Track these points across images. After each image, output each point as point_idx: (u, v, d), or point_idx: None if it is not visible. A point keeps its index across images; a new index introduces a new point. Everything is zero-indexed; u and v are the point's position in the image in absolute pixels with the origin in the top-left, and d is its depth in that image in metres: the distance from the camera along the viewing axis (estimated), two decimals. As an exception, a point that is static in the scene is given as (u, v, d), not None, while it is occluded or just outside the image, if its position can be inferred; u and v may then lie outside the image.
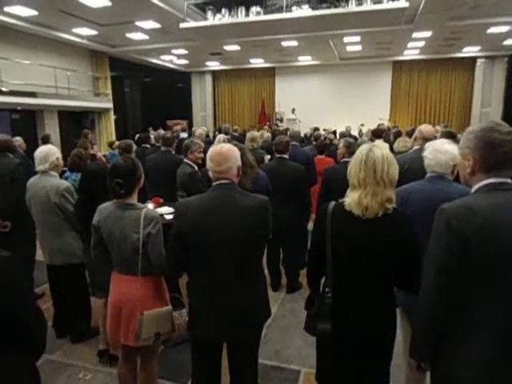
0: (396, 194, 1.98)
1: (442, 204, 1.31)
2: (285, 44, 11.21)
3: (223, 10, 8.58)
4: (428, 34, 10.27)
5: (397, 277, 1.63)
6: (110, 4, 7.73)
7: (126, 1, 7.59)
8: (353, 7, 7.76)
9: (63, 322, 3.15)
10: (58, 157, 3.00)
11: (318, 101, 15.00)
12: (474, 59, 13.63)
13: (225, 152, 1.82)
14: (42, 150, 2.97)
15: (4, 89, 8.73)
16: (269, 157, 5.28)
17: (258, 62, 15.09)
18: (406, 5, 7.37)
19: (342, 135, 7.52)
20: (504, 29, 9.76)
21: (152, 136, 7.04)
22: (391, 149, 4.61)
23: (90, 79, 12.40)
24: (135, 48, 11.76)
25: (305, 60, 14.38)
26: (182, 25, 8.62)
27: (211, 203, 1.79)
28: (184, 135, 8.07)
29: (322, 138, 7.48)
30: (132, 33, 10.14)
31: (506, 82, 13.46)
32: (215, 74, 16.94)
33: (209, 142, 5.72)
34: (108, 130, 12.76)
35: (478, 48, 12.57)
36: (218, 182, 1.82)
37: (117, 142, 7.11)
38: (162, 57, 13.67)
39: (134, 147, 4.73)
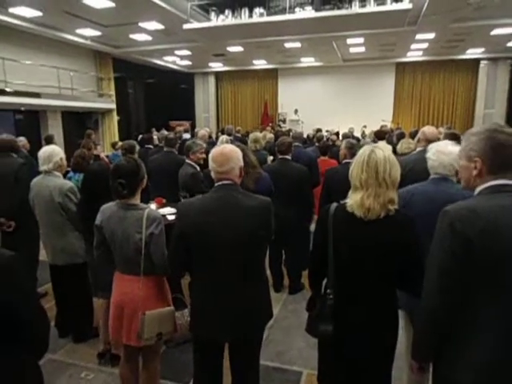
0: (398, 196, 1.97)
1: (445, 206, 1.30)
2: (288, 45, 11.22)
3: (226, 11, 8.60)
4: (431, 35, 10.25)
5: (399, 279, 1.62)
6: (113, 5, 7.76)
7: (130, 2, 7.62)
8: (356, 9, 7.76)
9: (66, 321, 3.16)
10: (62, 157, 3.01)
11: (321, 102, 14.99)
12: (477, 61, 13.59)
13: (227, 153, 1.82)
14: (45, 150, 2.98)
15: (8, 89, 8.78)
16: (271, 158, 5.28)
17: (260, 64, 15.10)
18: (410, 6, 7.36)
19: (345, 136, 7.51)
20: (508, 30, 9.72)
21: (155, 137, 7.06)
22: (394, 150, 4.60)
23: (94, 80, 12.45)
24: (138, 49, 11.80)
25: (308, 61, 14.38)
26: (186, 26, 8.64)
27: (213, 204, 1.80)
28: (187, 136, 8.08)
29: (325, 139, 7.47)
30: (135, 34, 10.17)
31: (510, 83, 13.43)
32: (218, 75, 16.96)
33: (211, 143, 5.73)
34: (111, 130, 12.80)
35: (481, 50, 12.53)
36: (220, 183, 1.82)
37: (120, 143, 7.13)
38: (165, 58, 13.71)
39: (137, 148, 4.74)
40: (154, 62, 13.91)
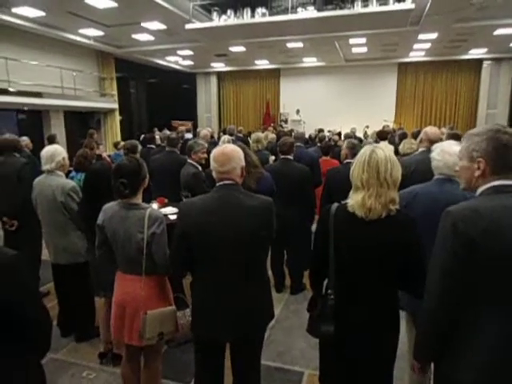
0: (402, 196, 1.97)
1: (449, 207, 1.30)
2: (290, 45, 11.22)
3: (229, 11, 8.60)
4: (434, 35, 10.23)
5: (400, 279, 1.62)
6: (116, 5, 7.78)
7: (132, 2, 7.64)
8: (358, 9, 7.74)
9: (68, 320, 3.17)
10: (64, 156, 3.02)
11: (323, 102, 14.98)
12: (480, 61, 13.55)
13: (228, 152, 1.82)
14: (48, 150, 2.99)
15: (11, 89, 8.81)
16: (273, 158, 5.28)
17: (263, 64, 15.10)
18: (412, 6, 7.35)
19: (347, 137, 7.50)
20: (511, 31, 9.70)
21: (157, 136, 7.07)
22: (396, 151, 4.60)
23: (96, 80, 12.48)
24: (141, 49, 11.83)
25: (310, 61, 14.37)
26: (188, 26, 8.65)
27: (215, 203, 1.80)
28: (189, 136, 8.10)
29: (327, 139, 7.47)
30: (138, 34, 10.19)
31: (513, 83, 13.39)
32: (220, 75, 16.98)
33: (213, 143, 5.74)
34: (113, 130, 12.84)
35: (484, 50, 12.50)
36: (221, 183, 1.82)
37: (122, 143, 7.14)
38: (168, 58, 13.73)
39: (140, 148, 4.75)
40: (156, 62, 13.93)
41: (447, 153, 2.05)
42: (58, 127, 10.54)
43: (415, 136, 5.12)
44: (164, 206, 3.54)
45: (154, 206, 3.32)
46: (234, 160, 1.81)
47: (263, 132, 8.40)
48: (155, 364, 2.25)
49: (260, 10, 8.40)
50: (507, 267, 1.18)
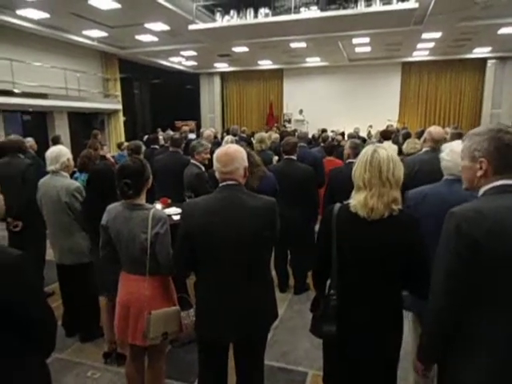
0: (411, 196, 1.96)
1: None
2: (293, 45, 11.21)
3: (232, 12, 8.60)
4: (438, 34, 10.19)
5: (404, 280, 1.62)
6: (119, 6, 7.81)
7: (136, 3, 7.66)
8: (362, 8, 7.73)
9: (73, 320, 3.18)
10: (69, 157, 3.04)
11: (327, 102, 14.96)
12: (484, 60, 13.48)
13: (231, 153, 1.82)
14: (53, 151, 3.01)
15: (16, 90, 8.87)
16: (277, 158, 5.28)
17: (266, 64, 15.10)
18: (416, 5, 7.32)
19: (351, 137, 7.49)
20: (515, 29, 9.65)
21: (161, 137, 7.09)
22: (400, 150, 4.58)
23: (100, 81, 12.54)
24: (144, 50, 11.86)
25: (313, 61, 14.35)
26: (191, 26, 8.67)
27: (218, 204, 1.80)
28: (192, 136, 8.12)
29: (330, 139, 7.46)
30: (141, 35, 10.23)
31: (517, 83, 13.30)
32: (223, 76, 16.99)
33: (217, 143, 5.75)
34: (117, 131, 12.88)
35: (488, 49, 12.43)
36: (224, 183, 1.82)
37: (126, 143, 7.18)
38: (171, 58, 13.76)
39: (143, 148, 4.77)
40: (159, 63, 13.97)
41: (457, 153, 2.02)
42: (62, 128, 10.59)
43: (419, 136, 5.11)
44: (167, 206, 3.55)
45: (158, 206, 3.32)
46: (237, 160, 1.81)
47: (267, 132, 8.40)
48: (159, 364, 2.25)
49: (263, 10, 8.39)
50: (511, 268, 1.18)
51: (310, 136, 8.26)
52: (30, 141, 5.61)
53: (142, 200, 2.12)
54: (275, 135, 7.59)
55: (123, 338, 2.17)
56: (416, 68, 14.46)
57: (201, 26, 8.75)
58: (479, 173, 1.32)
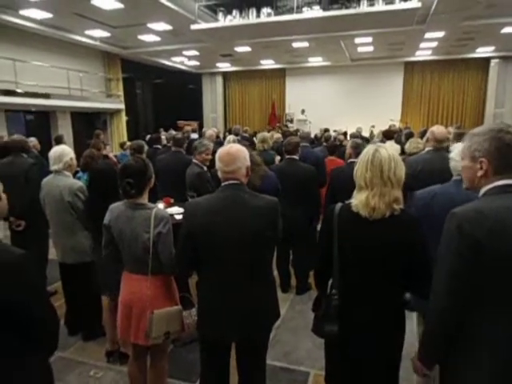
0: (420, 196, 1.94)
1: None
2: (295, 45, 11.21)
3: (234, 12, 8.61)
4: (441, 34, 10.16)
5: (406, 280, 1.61)
6: (122, 6, 7.82)
7: (138, 3, 7.68)
8: (364, 8, 7.72)
9: (75, 319, 3.19)
10: (72, 157, 3.05)
11: (329, 102, 14.95)
12: (487, 60, 13.44)
13: (233, 152, 1.82)
14: (56, 150, 3.02)
15: (19, 90, 8.90)
16: (279, 158, 5.28)
17: (268, 63, 15.10)
18: (419, 5, 7.30)
19: (353, 136, 7.48)
20: (519, 29, 9.61)
21: (163, 137, 7.10)
22: (403, 150, 4.57)
23: (102, 81, 12.57)
24: (147, 50, 11.89)
25: (315, 61, 14.34)
26: (193, 26, 8.68)
27: (220, 203, 1.80)
28: (195, 136, 8.11)
29: (332, 139, 7.45)
30: (144, 35, 10.25)
31: (521, 82, 13.25)
32: (226, 76, 17.00)
33: (219, 143, 5.74)
34: (119, 130, 12.91)
35: (491, 48, 12.39)
36: (226, 183, 1.83)
37: (128, 143, 7.19)
38: (173, 58, 13.78)
39: (146, 148, 4.77)
40: (161, 63, 13.99)
41: None
42: (65, 128, 10.63)
43: (422, 135, 5.09)
44: (170, 205, 3.55)
45: (160, 205, 3.33)
46: (240, 160, 1.81)
47: (269, 132, 8.39)
48: (161, 363, 2.26)
49: (265, 10, 8.40)
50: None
51: (312, 136, 8.26)
52: (33, 140, 5.63)
53: (145, 199, 2.13)
54: (277, 135, 7.59)
55: (125, 337, 2.17)
56: (419, 67, 14.43)
57: (203, 25, 8.76)
58: (479, 173, 1.32)
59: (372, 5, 7.70)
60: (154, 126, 14.44)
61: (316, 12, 8.16)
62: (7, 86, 8.77)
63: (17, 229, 3.55)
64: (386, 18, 7.98)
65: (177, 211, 3.26)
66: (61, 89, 10.27)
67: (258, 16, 8.46)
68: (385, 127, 8.77)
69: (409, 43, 11.42)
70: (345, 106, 14.68)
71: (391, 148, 1.64)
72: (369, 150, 1.62)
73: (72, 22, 9.09)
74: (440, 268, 1.31)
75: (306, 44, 11.02)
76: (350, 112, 14.23)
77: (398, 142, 5.92)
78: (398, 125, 11.85)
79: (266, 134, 5.47)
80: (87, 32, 9.98)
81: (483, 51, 12.74)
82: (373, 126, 11.95)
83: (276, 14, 8.43)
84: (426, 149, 3.27)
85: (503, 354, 1.20)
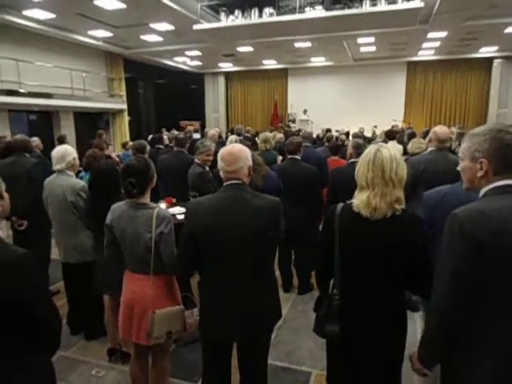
0: (430, 196, 1.94)
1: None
2: (298, 45, 11.20)
3: (236, 12, 8.62)
4: (443, 34, 10.13)
5: (407, 279, 1.61)
6: (124, 6, 7.84)
7: (141, 3, 7.69)
8: (367, 8, 7.70)
9: (78, 319, 3.20)
10: (75, 157, 3.06)
11: (331, 102, 14.93)
12: (490, 60, 13.40)
13: (236, 152, 1.82)
14: (58, 150, 3.03)
15: (22, 90, 8.93)
16: (281, 158, 5.27)
17: (270, 63, 15.10)
18: (421, 5, 7.28)
19: (355, 136, 7.46)
20: (522, 28, 9.57)
21: (165, 137, 7.10)
22: (405, 150, 4.56)
23: (105, 81, 12.59)
24: (149, 50, 11.91)
25: (318, 61, 14.33)
26: (196, 26, 8.69)
27: (222, 203, 1.80)
28: (197, 136, 8.13)
29: (334, 139, 7.45)
30: (146, 35, 10.26)
31: (524, 82, 13.20)
32: (228, 76, 17.01)
33: (221, 143, 5.75)
34: (122, 130, 12.94)
35: (495, 48, 12.35)
36: (228, 182, 1.83)
37: (130, 143, 7.20)
38: (176, 58, 13.80)
39: (148, 148, 4.78)
40: (164, 63, 14.01)
41: None
42: (67, 128, 10.66)
43: (425, 135, 5.08)
44: (172, 205, 3.56)
45: (162, 205, 3.33)
46: (242, 160, 1.81)
47: (271, 132, 8.39)
48: (163, 363, 2.26)
49: (268, 10, 8.39)
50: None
51: (314, 136, 8.25)
52: (35, 140, 5.65)
53: (147, 199, 2.13)
54: (280, 135, 7.58)
55: (127, 337, 2.18)
56: (421, 67, 14.39)
57: (205, 25, 8.77)
58: (479, 173, 1.31)
59: (374, 5, 7.68)
60: (157, 126, 14.46)
61: (318, 12, 8.15)
62: (10, 86, 8.81)
63: (19, 228, 3.56)
64: (389, 17, 7.96)
65: (179, 211, 3.27)
66: (63, 89, 10.31)
67: (260, 16, 8.46)
68: (387, 127, 8.76)
69: (411, 43, 11.39)
70: (347, 106, 14.66)
71: (393, 148, 1.63)
72: (370, 149, 1.61)
73: (75, 23, 9.12)
74: (441, 268, 1.31)
75: (308, 44, 11.01)
76: (353, 112, 14.21)
77: (401, 142, 5.91)
78: (400, 125, 11.83)
79: (269, 134, 5.47)
80: (90, 32, 10.01)
81: (486, 51, 12.70)
82: (375, 126, 11.94)
83: (278, 14, 8.43)
84: (429, 149, 3.26)
85: (505, 354, 1.20)
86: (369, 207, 1.55)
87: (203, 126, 14.07)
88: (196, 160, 3.75)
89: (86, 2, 7.56)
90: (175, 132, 8.46)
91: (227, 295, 1.81)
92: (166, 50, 11.96)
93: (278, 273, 3.89)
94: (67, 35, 9.86)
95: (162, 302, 2.08)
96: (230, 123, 16.79)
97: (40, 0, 7.38)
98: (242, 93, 17.10)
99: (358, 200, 1.59)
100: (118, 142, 11.95)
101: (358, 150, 3.42)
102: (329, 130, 9.39)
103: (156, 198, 3.29)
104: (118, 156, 7.07)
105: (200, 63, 14.83)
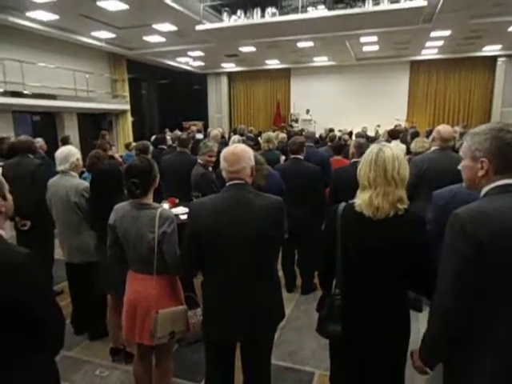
0: (440, 195, 1.92)
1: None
2: (300, 45, 11.19)
3: (239, 12, 8.62)
4: (447, 32, 10.09)
5: (409, 279, 1.60)
6: (127, 7, 7.86)
7: (143, 4, 7.71)
8: (369, 7, 7.69)
9: (81, 319, 3.21)
10: (78, 157, 3.07)
11: (334, 102, 14.90)
12: (494, 58, 13.32)
13: (238, 152, 1.82)
14: (62, 151, 3.04)
15: (26, 91, 8.98)
16: (284, 158, 5.27)
17: (273, 63, 15.10)
18: (424, 3, 7.26)
19: (358, 136, 7.45)
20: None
21: (168, 137, 7.12)
22: (408, 149, 4.54)
23: (108, 81, 12.64)
24: (152, 50, 11.93)
25: (320, 61, 14.31)
26: (198, 27, 8.70)
27: (225, 203, 1.80)
28: (200, 136, 8.14)
29: (337, 138, 7.43)
30: (149, 35, 10.29)
31: (528, 81, 13.11)
32: (231, 76, 17.02)
33: (224, 143, 5.75)
34: (125, 131, 12.98)
35: (498, 47, 12.28)
36: (231, 182, 1.83)
37: (133, 143, 7.22)
38: (179, 59, 13.82)
39: (151, 148, 4.79)
40: (167, 63, 14.04)
41: None
42: (71, 129, 10.71)
43: (428, 135, 5.06)
44: (175, 206, 3.56)
45: (165, 206, 3.34)
46: (244, 160, 1.81)
47: (274, 132, 8.39)
48: (166, 363, 2.26)
49: (270, 10, 8.40)
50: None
51: (317, 135, 8.24)
52: (39, 141, 5.67)
53: (150, 199, 2.13)
54: (282, 135, 7.58)
55: (130, 337, 2.18)
56: (425, 67, 14.33)
57: (208, 26, 8.78)
58: (480, 172, 1.31)
59: (377, 4, 7.67)
60: (160, 127, 14.52)
61: (321, 11, 8.14)
62: (14, 87, 8.86)
63: (22, 228, 3.58)
64: (392, 16, 7.94)
65: (182, 211, 3.27)
66: (67, 90, 10.36)
67: (263, 16, 8.47)
68: (390, 127, 8.74)
69: (414, 42, 11.35)
70: (350, 105, 14.62)
71: (396, 147, 1.63)
72: (372, 149, 1.61)
73: (78, 24, 9.16)
74: (444, 268, 1.30)
75: (310, 44, 10.99)
76: (356, 112, 14.17)
77: (404, 141, 5.88)
78: (403, 124, 11.79)
79: (271, 134, 5.46)
80: (93, 33, 10.05)
81: (490, 50, 12.63)
82: (378, 126, 11.90)
83: (281, 14, 8.43)
84: (432, 148, 3.25)
85: (505, 354, 1.19)
86: (371, 207, 1.54)
87: (206, 126, 14.08)
88: (199, 160, 3.76)
89: (89, 4, 7.60)
90: (178, 132, 8.47)
91: (230, 295, 1.81)
92: (168, 51, 11.98)
93: (281, 273, 3.89)
94: (70, 36, 9.91)
95: (165, 302, 2.08)
96: (233, 123, 16.80)
97: (43, 1, 7.42)
98: (244, 93, 17.10)
99: (360, 199, 1.58)
100: (122, 142, 11.99)
101: (360, 150, 3.41)
102: (331, 130, 9.37)
103: (159, 199, 3.30)
104: (121, 156, 7.08)
105: (203, 63, 14.85)
